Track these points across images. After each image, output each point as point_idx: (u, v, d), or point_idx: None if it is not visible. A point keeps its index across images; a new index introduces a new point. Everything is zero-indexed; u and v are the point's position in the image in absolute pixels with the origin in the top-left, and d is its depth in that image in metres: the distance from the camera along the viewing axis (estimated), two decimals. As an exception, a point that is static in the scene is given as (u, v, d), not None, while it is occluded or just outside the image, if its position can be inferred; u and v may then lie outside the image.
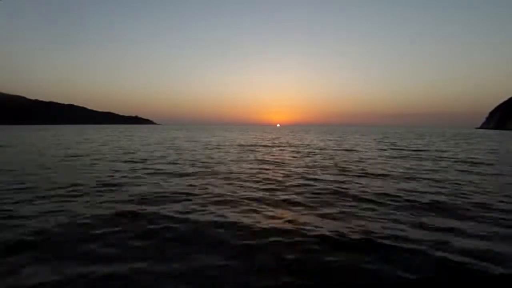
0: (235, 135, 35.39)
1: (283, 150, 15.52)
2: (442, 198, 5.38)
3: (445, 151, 14.98)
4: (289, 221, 4.04)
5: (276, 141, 22.69)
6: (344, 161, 10.69)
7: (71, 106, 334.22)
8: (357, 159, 11.20)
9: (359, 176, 7.54)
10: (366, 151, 14.61)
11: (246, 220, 4.04)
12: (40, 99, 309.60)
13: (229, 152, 13.88)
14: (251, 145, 18.21)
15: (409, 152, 14.48)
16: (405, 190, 5.99)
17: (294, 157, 12.25)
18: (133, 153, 13.15)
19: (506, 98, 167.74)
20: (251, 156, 12.18)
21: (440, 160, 11.21)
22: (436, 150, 15.60)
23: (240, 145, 18.05)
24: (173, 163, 9.73)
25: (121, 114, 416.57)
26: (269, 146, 17.66)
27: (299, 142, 21.61)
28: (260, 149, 15.82)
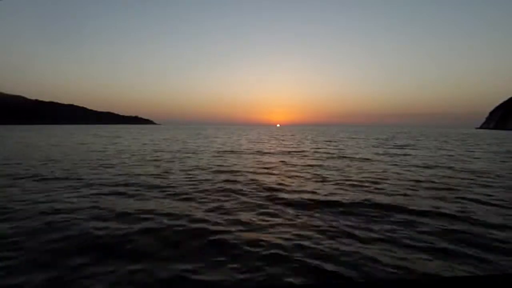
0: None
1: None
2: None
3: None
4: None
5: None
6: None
7: (71, 106, 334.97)
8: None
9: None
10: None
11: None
12: (40, 99, 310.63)
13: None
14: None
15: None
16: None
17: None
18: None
19: (506, 98, 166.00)
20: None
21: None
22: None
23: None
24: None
25: (121, 114, 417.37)
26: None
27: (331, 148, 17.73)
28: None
